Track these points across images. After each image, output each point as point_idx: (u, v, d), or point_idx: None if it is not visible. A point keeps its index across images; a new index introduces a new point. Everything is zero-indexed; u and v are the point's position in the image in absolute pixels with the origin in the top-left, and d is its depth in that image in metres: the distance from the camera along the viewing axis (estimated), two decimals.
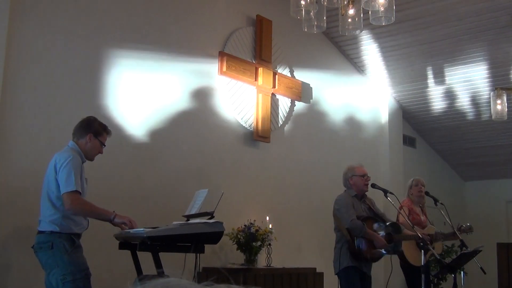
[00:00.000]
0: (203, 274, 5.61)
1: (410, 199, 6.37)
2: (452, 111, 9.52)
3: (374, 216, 5.45)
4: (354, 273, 5.27)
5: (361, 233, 5.18)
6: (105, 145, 4.22)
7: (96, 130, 4.14)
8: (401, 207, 5.75)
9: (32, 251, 3.98)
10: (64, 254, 3.83)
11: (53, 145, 4.60)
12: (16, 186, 4.80)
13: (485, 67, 8.25)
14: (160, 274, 3.76)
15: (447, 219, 5.73)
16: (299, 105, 7.79)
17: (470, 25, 7.44)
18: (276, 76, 7.33)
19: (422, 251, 5.00)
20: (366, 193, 5.60)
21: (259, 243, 6.29)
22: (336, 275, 5.38)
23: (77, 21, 5.40)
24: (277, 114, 7.39)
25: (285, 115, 7.55)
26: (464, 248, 5.61)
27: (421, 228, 6.02)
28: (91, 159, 4.21)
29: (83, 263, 3.94)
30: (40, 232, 3.93)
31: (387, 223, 5.40)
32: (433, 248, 5.46)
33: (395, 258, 6.07)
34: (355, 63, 8.83)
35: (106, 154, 4.93)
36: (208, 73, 6.61)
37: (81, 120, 4.19)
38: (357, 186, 5.47)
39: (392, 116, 9.51)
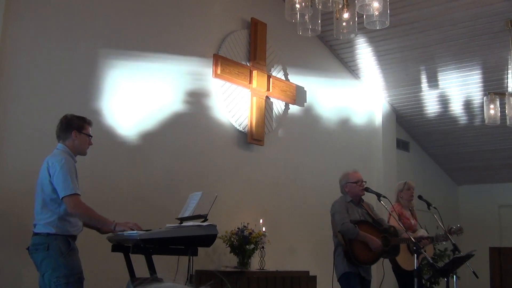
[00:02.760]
0: (196, 277, 5.61)
1: (399, 203, 6.37)
2: (445, 115, 9.55)
3: (372, 221, 5.46)
4: (353, 278, 5.27)
5: (353, 235, 5.19)
6: (91, 136, 4.21)
7: (77, 125, 4.12)
8: (392, 211, 5.76)
9: (26, 252, 3.97)
10: (59, 256, 3.83)
11: (47, 147, 4.57)
12: (10, 188, 4.78)
13: (479, 71, 8.29)
14: (153, 277, 3.75)
15: (440, 223, 5.74)
16: (293, 108, 7.80)
17: (464, 30, 7.47)
18: (271, 79, 7.33)
19: (415, 255, 4.99)
20: (363, 198, 5.62)
21: (252, 246, 6.28)
22: (338, 282, 5.40)
23: (72, 24, 5.38)
24: (271, 117, 7.40)
25: (279, 118, 7.55)
26: (456, 252, 5.62)
27: (411, 232, 6.02)
28: (84, 154, 4.21)
29: (78, 266, 3.93)
30: (35, 234, 3.92)
31: (384, 227, 5.43)
32: (425, 251, 5.47)
33: (387, 262, 6.08)
34: (349, 67, 8.85)
35: (100, 156, 4.93)
36: (203, 75, 6.61)
37: (59, 121, 4.15)
38: (352, 192, 5.51)
39: (385, 120, 9.53)
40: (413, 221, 6.31)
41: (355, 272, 5.27)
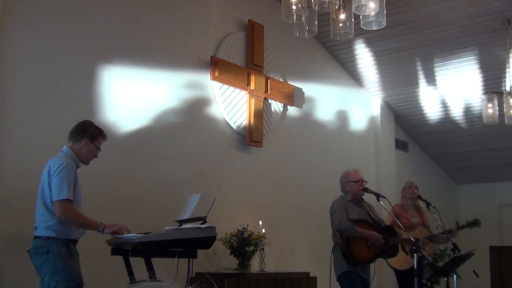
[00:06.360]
0: (196, 279, 5.60)
1: (402, 203, 6.38)
2: (444, 115, 9.56)
3: (372, 221, 5.46)
4: (354, 277, 5.24)
5: (351, 232, 5.19)
6: (100, 150, 4.20)
7: (92, 134, 4.12)
8: (391, 211, 5.77)
9: (27, 255, 3.97)
10: (59, 260, 3.82)
11: (48, 149, 4.58)
12: (11, 191, 4.77)
13: (477, 71, 8.29)
14: (152, 279, 3.74)
15: (440, 223, 5.75)
16: (292, 110, 7.80)
17: (461, 29, 7.48)
18: (269, 80, 7.33)
19: (415, 254, 4.99)
20: (364, 198, 5.62)
21: (252, 247, 6.27)
22: (337, 281, 5.37)
23: (71, 28, 5.38)
24: (270, 118, 7.40)
25: (278, 120, 7.55)
26: (456, 252, 5.62)
27: (411, 230, 6.02)
28: (87, 163, 4.20)
29: (77, 271, 3.92)
30: (36, 237, 3.91)
31: (383, 227, 5.43)
32: (423, 250, 5.47)
33: (381, 260, 6.05)
34: (347, 67, 8.86)
35: (99, 160, 4.93)
36: (200, 78, 6.61)
37: (77, 123, 4.15)
38: (352, 191, 5.50)
39: (384, 120, 9.53)
40: (416, 220, 6.31)
41: (354, 271, 5.26)
